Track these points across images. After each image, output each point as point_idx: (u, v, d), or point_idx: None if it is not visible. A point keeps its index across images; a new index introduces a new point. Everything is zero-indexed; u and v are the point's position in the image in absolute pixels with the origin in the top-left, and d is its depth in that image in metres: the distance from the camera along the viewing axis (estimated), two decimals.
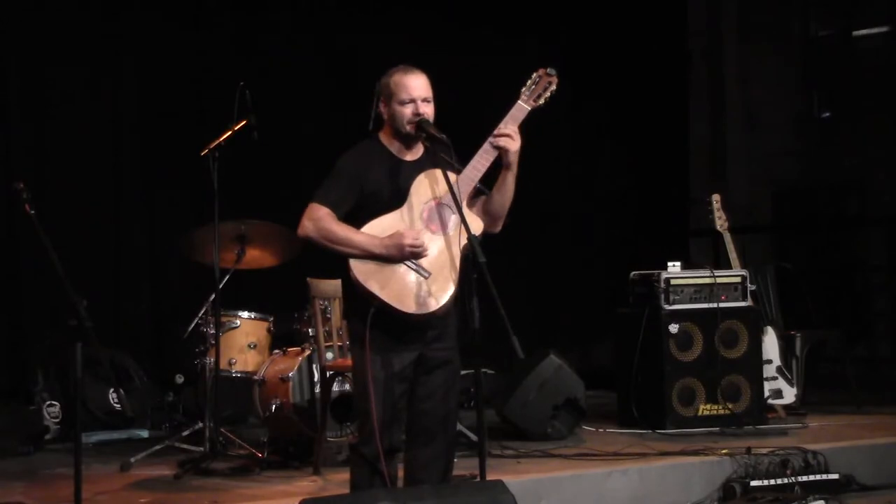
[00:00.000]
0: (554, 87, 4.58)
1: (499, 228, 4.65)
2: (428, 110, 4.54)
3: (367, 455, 4.49)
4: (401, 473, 4.65)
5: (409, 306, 4.41)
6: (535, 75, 4.60)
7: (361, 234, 4.45)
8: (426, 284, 4.43)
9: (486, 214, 4.60)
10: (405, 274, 4.43)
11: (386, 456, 4.46)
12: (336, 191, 4.51)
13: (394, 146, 4.60)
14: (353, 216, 4.50)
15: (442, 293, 4.43)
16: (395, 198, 4.50)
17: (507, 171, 4.53)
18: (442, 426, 4.58)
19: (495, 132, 4.51)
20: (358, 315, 4.49)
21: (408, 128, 4.52)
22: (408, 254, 4.40)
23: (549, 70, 4.60)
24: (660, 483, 6.04)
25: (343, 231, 4.46)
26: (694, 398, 7.20)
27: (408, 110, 4.52)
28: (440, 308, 4.43)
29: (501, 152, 4.50)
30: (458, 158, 4.51)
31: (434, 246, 4.46)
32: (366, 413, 4.47)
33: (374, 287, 4.41)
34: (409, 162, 4.58)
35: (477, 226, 4.51)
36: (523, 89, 4.58)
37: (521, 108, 4.55)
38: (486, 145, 4.51)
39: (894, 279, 10.79)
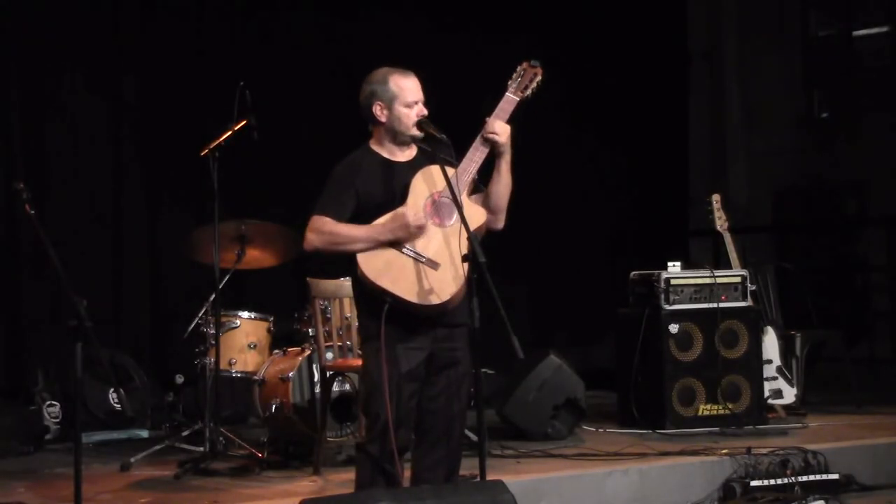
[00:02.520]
0: (539, 77, 4.64)
1: (501, 224, 4.66)
2: (425, 111, 4.60)
3: (374, 454, 4.49)
4: (407, 474, 4.65)
5: (423, 298, 4.41)
6: (519, 68, 4.67)
7: (364, 227, 4.47)
8: (436, 276, 4.44)
9: (487, 209, 4.61)
10: (415, 268, 4.44)
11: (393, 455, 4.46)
12: (333, 200, 4.53)
13: (386, 150, 4.62)
14: (352, 222, 4.51)
15: (452, 283, 4.44)
16: (392, 199, 4.51)
17: (499, 159, 4.57)
18: (448, 427, 4.59)
19: (485, 125, 4.55)
20: (370, 313, 4.50)
21: (413, 129, 4.56)
22: (414, 230, 4.41)
23: (532, 62, 4.66)
24: (660, 483, 6.03)
25: (346, 230, 4.48)
26: (694, 398, 7.20)
27: (413, 112, 4.56)
28: (453, 298, 4.43)
29: (493, 144, 4.53)
30: (458, 157, 4.53)
31: (439, 238, 4.48)
32: (375, 412, 4.47)
33: (385, 283, 4.42)
34: (403, 163, 4.61)
35: (479, 216, 4.53)
36: (510, 82, 4.65)
37: (510, 99, 4.61)
38: (478, 139, 4.56)
39: (894, 279, 10.78)
